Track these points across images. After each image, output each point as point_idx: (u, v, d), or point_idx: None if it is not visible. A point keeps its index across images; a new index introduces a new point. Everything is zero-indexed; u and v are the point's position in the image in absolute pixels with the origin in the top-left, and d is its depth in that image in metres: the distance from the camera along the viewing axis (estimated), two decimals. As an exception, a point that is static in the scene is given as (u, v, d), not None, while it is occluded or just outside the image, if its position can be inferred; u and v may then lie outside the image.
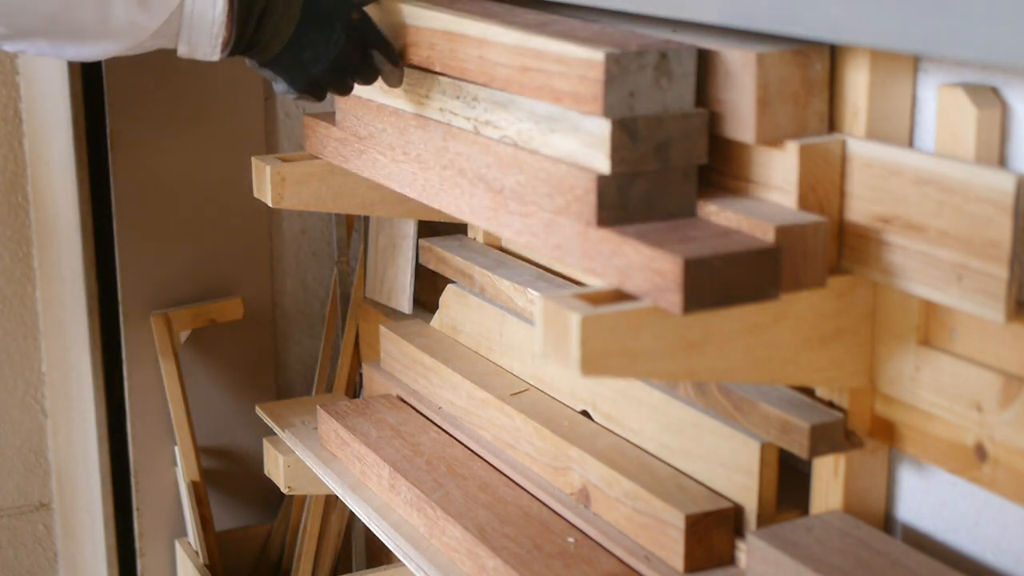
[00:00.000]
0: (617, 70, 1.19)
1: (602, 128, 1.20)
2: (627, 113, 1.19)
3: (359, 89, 1.67)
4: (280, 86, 1.50)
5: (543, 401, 1.64)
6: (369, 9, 1.51)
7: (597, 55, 1.19)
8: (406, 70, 1.53)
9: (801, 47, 1.19)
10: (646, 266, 1.14)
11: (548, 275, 1.73)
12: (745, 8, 1.17)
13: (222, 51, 1.44)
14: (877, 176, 1.16)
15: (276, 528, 2.38)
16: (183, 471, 2.25)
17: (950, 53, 1.00)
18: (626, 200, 1.21)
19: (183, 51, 1.44)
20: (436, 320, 1.90)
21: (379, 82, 1.53)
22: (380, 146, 1.61)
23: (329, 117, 1.78)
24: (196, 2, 1.41)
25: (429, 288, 2.06)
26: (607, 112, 1.19)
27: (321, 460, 1.77)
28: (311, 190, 1.79)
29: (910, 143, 1.21)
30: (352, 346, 2.28)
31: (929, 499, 1.26)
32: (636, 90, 1.19)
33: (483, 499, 1.52)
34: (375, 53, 1.48)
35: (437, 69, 1.43)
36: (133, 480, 2.30)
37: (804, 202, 1.19)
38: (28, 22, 1.38)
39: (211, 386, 2.39)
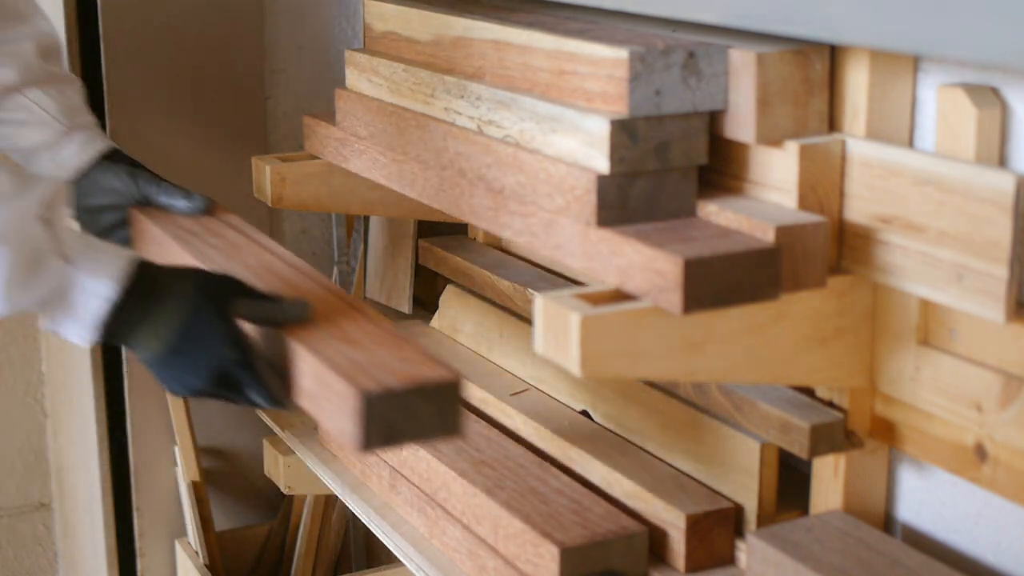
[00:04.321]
0: (642, 68, 1.19)
1: (601, 128, 1.20)
2: (653, 112, 1.19)
3: (360, 87, 1.67)
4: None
5: (543, 401, 1.64)
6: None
7: (622, 54, 1.19)
8: (410, 69, 1.53)
9: (801, 47, 1.19)
10: (646, 266, 1.14)
11: (548, 275, 1.73)
12: (745, 8, 1.17)
13: (89, 340, 1.30)
14: (877, 176, 1.16)
15: (276, 528, 2.37)
16: (183, 471, 2.24)
17: (950, 53, 1.00)
18: (626, 200, 1.21)
19: (44, 325, 1.31)
20: (436, 320, 1.90)
21: (383, 79, 1.49)
22: (380, 146, 1.61)
23: (329, 117, 1.78)
24: (83, 292, 1.27)
25: (429, 288, 2.05)
26: (633, 110, 1.19)
27: (321, 460, 1.76)
28: (311, 190, 1.79)
29: (910, 143, 1.20)
30: (352, 346, 2.27)
31: (929, 499, 1.26)
32: (663, 88, 1.19)
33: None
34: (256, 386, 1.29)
35: (488, 79, 1.41)
36: (133, 480, 2.30)
37: (804, 202, 1.19)
38: None
39: (211, 386, 2.38)
